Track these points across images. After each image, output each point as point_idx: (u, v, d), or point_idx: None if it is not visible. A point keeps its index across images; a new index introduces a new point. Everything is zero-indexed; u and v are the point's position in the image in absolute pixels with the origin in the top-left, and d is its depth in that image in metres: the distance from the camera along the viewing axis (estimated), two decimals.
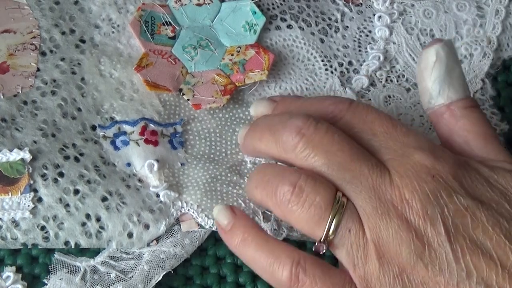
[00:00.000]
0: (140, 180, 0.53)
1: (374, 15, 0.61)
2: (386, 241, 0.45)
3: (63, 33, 0.56)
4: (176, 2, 0.58)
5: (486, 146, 0.50)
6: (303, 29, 0.59)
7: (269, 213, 0.53)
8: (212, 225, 0.52)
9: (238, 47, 0.57)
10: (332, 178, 0.47)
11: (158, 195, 0.52)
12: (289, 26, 0.59)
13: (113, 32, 0.57)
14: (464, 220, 0.45)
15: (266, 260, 0.47)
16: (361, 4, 0.61)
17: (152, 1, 0.57)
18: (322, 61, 0.58)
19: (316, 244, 0.46)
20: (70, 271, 0.51)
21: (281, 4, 0.60)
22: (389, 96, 0.57)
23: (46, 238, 0.51)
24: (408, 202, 0.45)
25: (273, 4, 0.60)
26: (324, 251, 0.46)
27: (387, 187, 0.46)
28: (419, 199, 0.45)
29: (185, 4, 0.58)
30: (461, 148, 0.50)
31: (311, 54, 0.58)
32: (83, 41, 0.56)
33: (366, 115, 0.49)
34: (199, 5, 0.58)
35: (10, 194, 0.51)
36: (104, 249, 0.51)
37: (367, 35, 0.60)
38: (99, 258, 0.51)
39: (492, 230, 0.45)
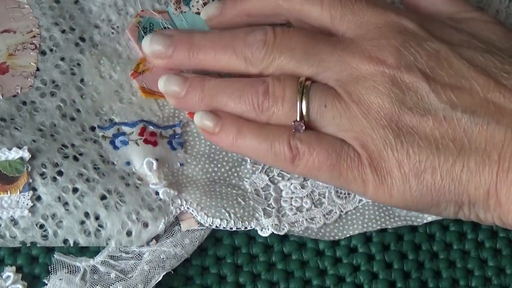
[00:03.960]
0: (139, 179, 0.53)
1: None
2: (366, 98, 0.47)
3: (63, 31, 0.56)
4: (176, 9, 0.58)
5: (452, 3, 0.53)
6: None
7: (270, 210, 0.53)
8: (212, 223, 0.52)
9: None
10: (302, 69, 0.50)
11: (157, 193, 0.52)
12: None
13: (112, 33, 0.57)
14: (438, 61, 0.48)
15: (266, 143, 0.50)
16: None
17: (151, 6, 0.58)
18: None
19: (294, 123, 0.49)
20: (70, 271, 0.51)
21: None
22: None
23: (45, 237, 0.50)
24: (379, 59, 0.48)
25: None
26: (303, 128, 0.49)
27: (355, 53, 0.48)
28: (389, 53, 0.48)
29: (185, 12, 0.58)
30: (428, 10, 0.53)
31: None
32: (83, 40, 0.56)
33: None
34: (197, 13, 0.58)
35: (9, 192, 0.51)
36: (103, 248, 0.51)
37: None
38: (99, 258, 0.51)
39: (468, 64, 0.47)
